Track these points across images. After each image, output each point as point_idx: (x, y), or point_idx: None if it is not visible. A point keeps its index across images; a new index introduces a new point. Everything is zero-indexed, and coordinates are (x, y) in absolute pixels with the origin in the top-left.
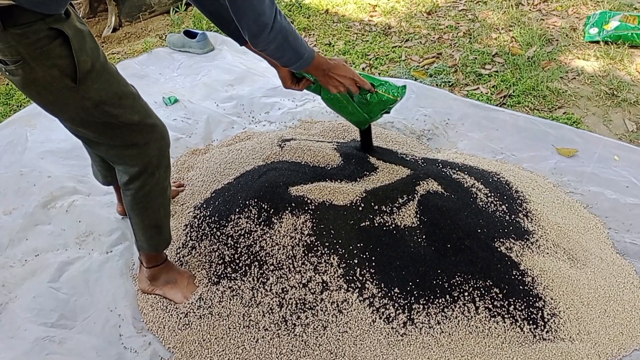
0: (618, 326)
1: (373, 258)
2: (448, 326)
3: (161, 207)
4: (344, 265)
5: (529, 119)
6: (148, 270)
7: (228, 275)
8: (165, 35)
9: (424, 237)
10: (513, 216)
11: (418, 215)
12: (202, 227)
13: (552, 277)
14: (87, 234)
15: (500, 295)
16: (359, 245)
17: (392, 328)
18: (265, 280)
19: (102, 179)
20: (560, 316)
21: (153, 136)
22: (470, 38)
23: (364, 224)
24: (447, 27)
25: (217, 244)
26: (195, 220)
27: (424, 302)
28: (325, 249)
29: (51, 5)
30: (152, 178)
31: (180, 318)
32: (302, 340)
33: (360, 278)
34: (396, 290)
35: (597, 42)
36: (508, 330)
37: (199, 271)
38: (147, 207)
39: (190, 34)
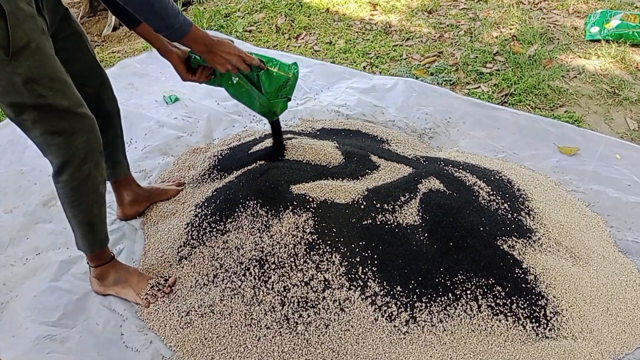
0: (621, 324)
1: (375, 256)
2: (450, 324)
3: (94, 205)
4: (346, 263)
5: (531, 118)
6: (95, 270)
7: (229, 273)
8: None
9: (426, 235)
10: (515, 214)
11: (420, 214)
12: (204, 226)
13: (554, 275)
14: None
15: (503, 294)
16: (361, 243)
17: (395, 326)
18: (267, 278)
19: None
20: (563, 314)
21: (81, 127)
22: (471, 37)
23: (365, 222)
24: (448, 25)
25: (219, 242)
26: (197, 218)
27: (427, 300)
28: (327, 247)
29: None
30: (80, 172)
31: (182, 316)
32: (304, 339)
33: (362, 276)
34: (398, 288)
35: (598, 40)
36: (511, 328)
37: (200, 270)
38: (77, 203)
39: None
